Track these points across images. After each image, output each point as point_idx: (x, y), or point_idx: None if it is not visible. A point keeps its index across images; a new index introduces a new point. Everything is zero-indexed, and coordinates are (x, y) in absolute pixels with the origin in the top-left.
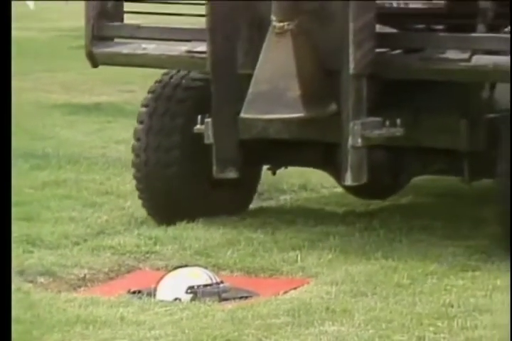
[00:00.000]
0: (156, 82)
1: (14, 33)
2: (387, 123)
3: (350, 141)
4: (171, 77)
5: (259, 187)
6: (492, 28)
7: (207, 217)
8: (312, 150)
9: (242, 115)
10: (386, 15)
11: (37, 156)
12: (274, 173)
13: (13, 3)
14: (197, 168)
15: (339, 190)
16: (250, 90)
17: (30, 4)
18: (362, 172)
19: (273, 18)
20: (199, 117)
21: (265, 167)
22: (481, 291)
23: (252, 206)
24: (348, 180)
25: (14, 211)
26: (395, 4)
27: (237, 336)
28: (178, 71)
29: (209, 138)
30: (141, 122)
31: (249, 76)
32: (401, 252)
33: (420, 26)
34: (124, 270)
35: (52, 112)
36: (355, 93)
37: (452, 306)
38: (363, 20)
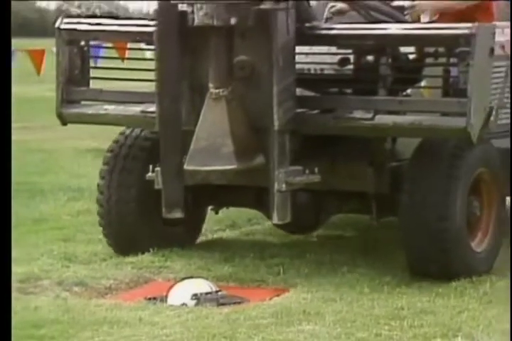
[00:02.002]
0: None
1: (45, 93)
2: (307, 171)
3: (276, 187)
4: (127, 138)
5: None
6: (391, 92)
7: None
8: (247, 194)
9: (186, 167)
10: (305, 80)
11: (73, 190)
12: (216, 213)
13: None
14: (150, 209)
15: None
16: (192, 146)
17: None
18: (286, 213)
19: (210, 85)
20: (150, 167)
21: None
22: (426, 297)
23: (243, 229)
24: (275, 219)
25: (54, 233)
26: (312, 70)
27: (232, 334)
28: (132, 132)
29: (159, 184)
30: (106, 163)
31: (192, 131)
32: (362, 267)
33: (333, 90)
34: (141, 281)
35: (85, 155)
36: (280, 146)
37: (403, 309)
38: (284, 84)
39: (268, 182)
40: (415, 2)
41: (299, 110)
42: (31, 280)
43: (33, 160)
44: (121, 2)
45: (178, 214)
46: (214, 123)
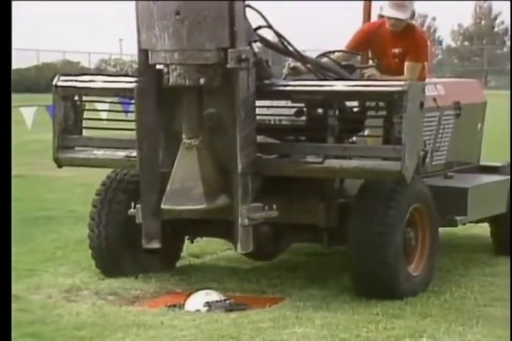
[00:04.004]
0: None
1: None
2: (267, 207)
3: (239, 221)
4: (112, 181)
5: None
6: (338, 140)
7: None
8: (217, 226)
9: (163, 206)
10: (266, 129)
11: None
12: (192, 242)
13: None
14: (132, 239)
15: None
16: (168, 188)
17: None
18: (249, 243)
19: (183, 136)
20: (132, 204)
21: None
22: (397, 305)
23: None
24: (239, 249)
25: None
26: (272, 121)
27: (237, 335)
28: (117, 175)
29: (139, 219)
30: (97, 195)
31: (168, 173)
32: (345, 281)
33: (289, 137)
34: (163, 291)
35: None
36: (243, 186)
37: (378, 315)
38: (246, 132)
39: (233, 217)
40: (369, 70)
41: (259, 155)
42: (74, 291)
43: (77, 192)
44: None
45: (156, 245)
46: (187, 169)
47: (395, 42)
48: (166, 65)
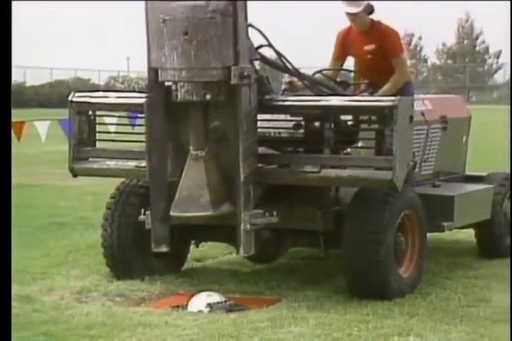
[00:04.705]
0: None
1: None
2: (267, 213)
3: (242, 226)
4: (126, 186)
5: None
6: (334, 151)
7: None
8: (221, 231)
9: (172, 213)
10: (267, 141)
11: None
12: (197, 246)
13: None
14: (142, 243)
15: None
16: (176, 196)
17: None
18: (251, 247)
19: (191, 147)
20: (142, 210)
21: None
22: (386, 305)
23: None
24: (241, 252)
25: (102, 257)
26: (272, 134)
27: (237, 334)
28: (130, 181)
29: (149, 225)
30: (108, 207)
31: (175, 182)
32: (338, 283)
33: (288, 149)
34: (168, 293)
35: None
36: (245, 194)
37: (368, 315)
38: (248, 144)
39: (236, 223)
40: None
41: (260, 165)
42: (84, 292)
43: (87, 200)
44: None
45: (164, 249)
46: (194, 179)
47: (366, 40)
48: (175, 82)
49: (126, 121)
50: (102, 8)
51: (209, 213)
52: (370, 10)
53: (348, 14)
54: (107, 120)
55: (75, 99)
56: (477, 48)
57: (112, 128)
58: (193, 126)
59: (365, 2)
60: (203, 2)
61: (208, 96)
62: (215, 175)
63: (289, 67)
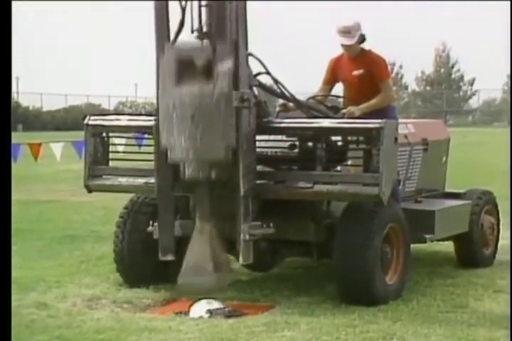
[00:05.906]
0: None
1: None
2: (264, 225)
3: (242, 237)
4: (137, 200)
5: None
6: (325, 168)
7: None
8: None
9: (178, 282)
10: (264, 160)
11: None
12: None
13: None
14: (151, 252)
15: None
16: (183, 266)
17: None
18: (249, 256)
19: (197, 220)
20: (150, 222)
21: None
22: (371, 311)
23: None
24: (241, 261)
25: (111, 267)
26: (269, 153)
27: (235, 338)
28: (138, 198)
29: (156, 235)
30: (121, 217)
31: (180, 197)
32: (327, 290)
33: (284, 166)
34: (171, 300)
35: None
36: (244, 207)
37: (355, 320)
38: (247, 162)
39: (236, 234)
40: (349, 108)
41: (259, 181)
42: (94, 300)
43: (98, 214)
44: None
45: (170, 257)
46: (199, 251)
47: (355, 66)
48: (182, 162)
49: (133, 141)
50: (112, 44)
51: (213, 283)
52: (361, 39)
53: (343, 45)
54: (116, 141)
55: (90, 122)
56: (453, 76)
57: (120, 149)
58: (198, 202)
59: (359, 33)
60: (210, 89)
61: (213, 175)
62: (218, 246)
63: (286, 93)
